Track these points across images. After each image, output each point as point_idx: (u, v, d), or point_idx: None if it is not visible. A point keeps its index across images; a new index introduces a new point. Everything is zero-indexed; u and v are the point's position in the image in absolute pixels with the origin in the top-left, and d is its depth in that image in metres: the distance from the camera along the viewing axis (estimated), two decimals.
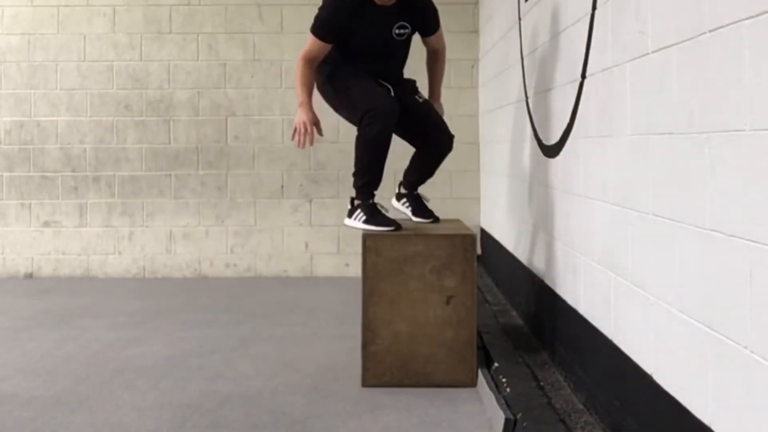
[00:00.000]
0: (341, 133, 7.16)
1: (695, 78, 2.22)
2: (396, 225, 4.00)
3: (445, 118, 7.18)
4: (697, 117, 2.21)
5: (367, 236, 3.90)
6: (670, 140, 2.42)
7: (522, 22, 4.96)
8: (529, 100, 4.69)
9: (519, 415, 3.20)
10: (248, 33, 7.21)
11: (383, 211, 4.09)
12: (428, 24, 4.34)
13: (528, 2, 4.74)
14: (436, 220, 4.41)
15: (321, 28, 4.07)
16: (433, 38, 4.39)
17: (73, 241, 7.23)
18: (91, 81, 7.22)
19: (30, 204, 7.25)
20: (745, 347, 1.92)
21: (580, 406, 3.34)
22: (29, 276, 7.23)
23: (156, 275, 7.21)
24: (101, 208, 7.23)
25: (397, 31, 4.18)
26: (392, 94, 4.15)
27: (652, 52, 2.57)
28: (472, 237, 3.92)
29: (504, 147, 5.75)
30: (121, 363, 4.32)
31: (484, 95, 6.99)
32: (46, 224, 7.24)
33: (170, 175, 7.22)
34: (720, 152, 2.06)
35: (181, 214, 7.21)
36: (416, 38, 4.37)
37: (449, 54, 7.11)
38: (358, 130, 4.07)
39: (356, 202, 4.08)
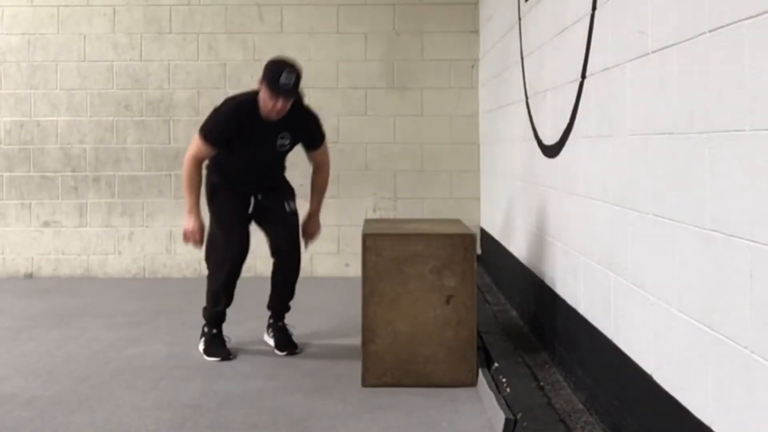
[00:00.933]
0: (341, 133, 7.17)
1: (695, 78, 2.22)
2: (225, 355, 4.37)
3: (445, 119, 7.17)
4: (697, 117, 2.21)
5: (367, 236, 3.90)
6: (670, 140, 2.42)
7: (522, 22, 4.96)
8: (529, 100, 4.69)
9: (519, 415, 3.20)
10: (248, 33, 7.21)
11: (226, 339, 4.49)
12: (312, 137, 4.56)
13: (528, 2, 4.74)
14: (297, 351, 4.54)
15: (211, 132, 4.33)
16: (316, 152, 4.60)
17: (73, 241, 7.23)
18: (91, 81, 7.22)
19: (30, 204, 7.24)
20: (745, 347, 1.92)
21: (580, 406, 3.34)
22: (29, 276, 7.23)
23: (156, 275, 7.21)
24: (101, 208, 7.23)
25: (280, 142, 4.40)
26: (258, 199, 4.49)
27: (652, 52, 2.57)
28: (472, 237, 3.92)
29: (504, 147, 5.75)
30: (121, 363, 4.32)
31: (484, 95, 6.99)
32: (46, 224, 7.24)
33: (170, 175, 7.21)
34: (720, 152, 2.06)
35: (181, 214, 7.15)
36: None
37: (450, 54, 7.20)
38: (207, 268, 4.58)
39: (204, 329, 4.53)
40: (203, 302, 4.60)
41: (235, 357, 4.40)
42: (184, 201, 4.46)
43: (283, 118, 4.30)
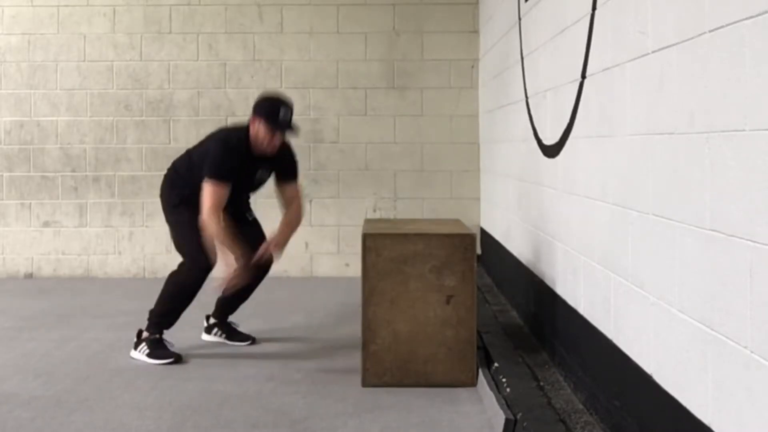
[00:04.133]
0: (341, 134, 7.17)
1: (695, 78, 2.22)
2: (177, 357, 4.33)
3: (445, 119, 7.18)
4: (697, 117, 2.21)
5: (367, 236, 3.90)
6: (670, 140, 2.42)
7: (522, 22, 4.96)
8: (529, 100, 4.69)
9: (519, 415, 3.20)
10: (248, 33, 7.21)
11: (168, 345, 4.41)
12: (292, 171, 4.58)
13: (528, 2, 4.74)
14: (253, 341, 4.74)
15: (219, 171, 4.27)
16: (291, 186, 4.58)
17: (73, 241, 7.23)
18: (91, 81, 7.22)
19: (30, 204, 7.24)
20: (745, 347, 1.92)
21: (580, 406, 3.34)
22: (29, 276, 7.23)
23: (156, 275, 7.20)
24: (101, 208, 7.23)
25: (259, 174, 4.47)
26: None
27: (652, 52, 2.57)
28: (472, 237, 3.92)
29: (504, 147, 5.75)
30: (121, 363, 4.32)
31: (484, 95, 6.99)
32: (46, 224, 7.24)
33: None
34: (720, 152, 2.06)
35: None
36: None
37: (450, 54, 7.20)
38: (179, 271, 4.44)
39: (144, 334, 4.42)
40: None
41: (184, 359, 4.35)
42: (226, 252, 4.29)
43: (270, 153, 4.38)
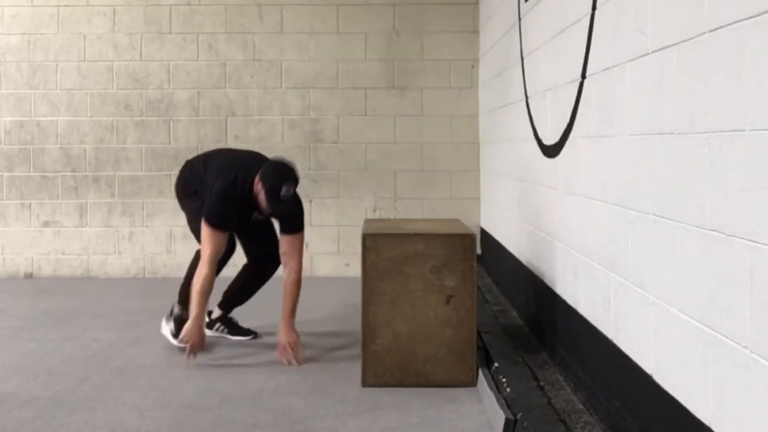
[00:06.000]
0: (341, 134, 7.16)
1: (695, 78, 2.22)
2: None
3: (445, 119, 7.16)
4: (697, 117, 2.21)
5: (367, 236, 3.90)
6: (670, 140, 2.42)
7: (522, 22, 4.96)
8: (529, 100, 4.69)
9: (519, 415, 3.20)
10: (248, 33, 7.21)
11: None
12: (291, 222, 4.41)
13: (528, 2, 4.74)
14: (255, 335, 4.81)
15: (217, 218, 4.28)
16: (289, 237, 4.39)
17: (73, 241, 7.23)
18: (91, 81, 7.22)
19: (30, 204, 7.24)
20: (745, 347, 1.93)
21: (580, 406, 3.34)
22: (29, 276, 7.23)
23: (156, 275, 7.21)
24: (101, 208, 7.23)
25: (255, 214, 4.45)
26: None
27: (652, 52, 2.57)
28: (472, 237, 3.92)
29: (504, 147, 5.75)
30: (121, 363, 4.32)
31: (484, 95, 6.99)
32: (46, 224, 7.24)
33: (170, 175, 7.20)
34: (720, 152, 2.06)
35: (181, 214, 7.18)
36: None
37: (450, 54, 7.21)
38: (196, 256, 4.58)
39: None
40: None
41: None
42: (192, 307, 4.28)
43: None
